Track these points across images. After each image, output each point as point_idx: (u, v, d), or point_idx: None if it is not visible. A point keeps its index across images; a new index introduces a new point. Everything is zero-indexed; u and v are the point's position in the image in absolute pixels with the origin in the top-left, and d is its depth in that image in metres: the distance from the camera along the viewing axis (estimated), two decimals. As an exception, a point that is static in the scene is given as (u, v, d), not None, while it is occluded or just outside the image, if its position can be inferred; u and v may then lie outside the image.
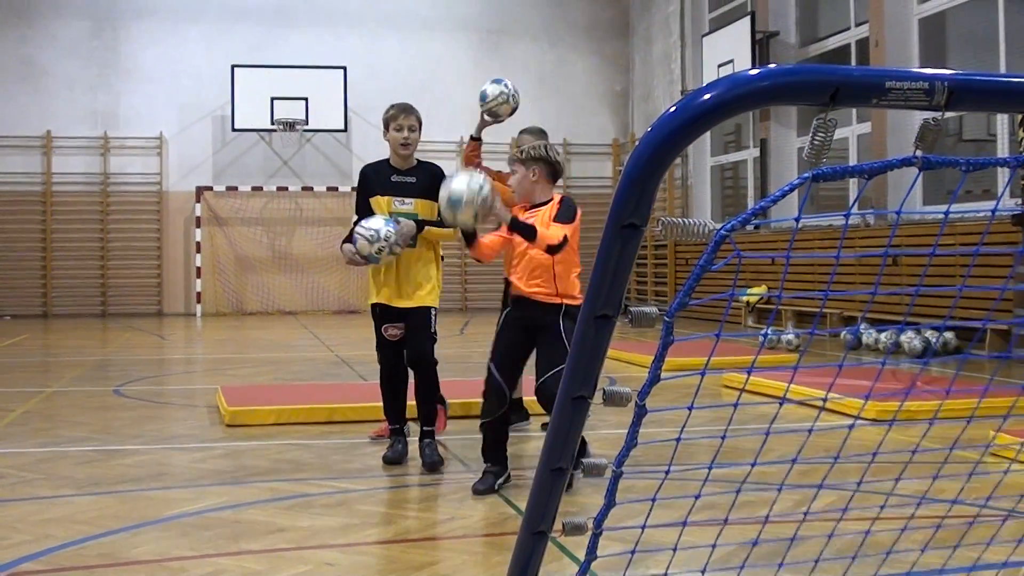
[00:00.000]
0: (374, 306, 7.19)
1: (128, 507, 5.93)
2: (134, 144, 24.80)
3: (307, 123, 24.41)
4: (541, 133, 8.20)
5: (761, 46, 20.33)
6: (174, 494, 6.32)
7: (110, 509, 5.87)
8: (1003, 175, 14.42)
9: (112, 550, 5.06)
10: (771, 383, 9.66)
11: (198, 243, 24.71)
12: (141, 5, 24.89)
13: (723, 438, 2.86)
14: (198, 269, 24.71)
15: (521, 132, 8.37)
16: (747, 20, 20.45)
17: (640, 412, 2.45)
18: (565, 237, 6.08)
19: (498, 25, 26.22)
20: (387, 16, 25.75)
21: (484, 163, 7.95)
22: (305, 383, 11.28)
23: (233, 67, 24.25)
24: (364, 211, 6.99)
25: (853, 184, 17.66)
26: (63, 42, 24.56)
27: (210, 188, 24.93)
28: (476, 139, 8.05)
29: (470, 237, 6.14)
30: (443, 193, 6.00)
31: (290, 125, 24.34)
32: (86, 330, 20.46)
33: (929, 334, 13.76)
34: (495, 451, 6.38)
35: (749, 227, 19.87)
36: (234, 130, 24.57)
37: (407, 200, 7.05)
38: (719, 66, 20.90)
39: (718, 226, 2.19)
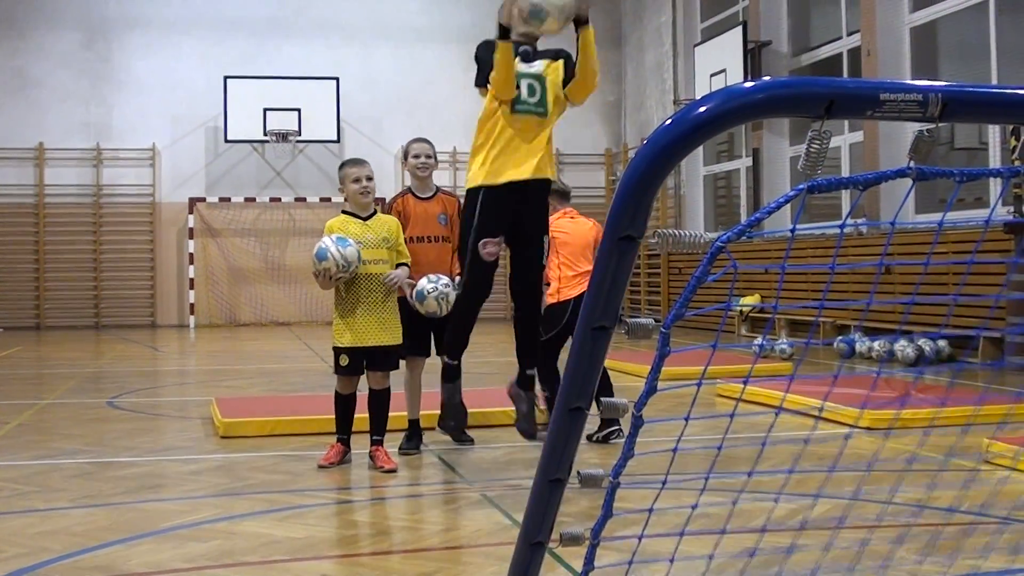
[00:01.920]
0: None
1: (123, 519, 5.92)
2: (127, 156, 24.80)
3: (300, 134, 24.41)
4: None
5: (753, 56, 20.36)
6: (169, 506, 6.31)
7: (104, 521, 5.86)
8: (996, 183, 14.44)
9: (107, 563, 5.05)
10: (766, 392, 9.67)
11: (191, 254, 24.71)
12: (133, 16, 24.89)
13: (719, 449, 2.86)
14: (191, 280, 24.70)
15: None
16: (739, 30, 20.47)
17: (637, 423, 2.46)
18: None
19: (491, 36, 26.20)
20: (380, 27, 25.77)
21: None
22: (299, 394, 11.28)
23: (226, 78, 24.25)
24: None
25: (846, 193, 17.68)
26: (55, 54, 24.56)
27: (203, 199, 24.92)
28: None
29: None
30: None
31: (283, 136, 24.34)
32: (79, 342, 20.43)
33: (922, 342, 13.77)
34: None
35: (742, 236, 19.82)
36: (227, 141, 24.57)
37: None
38: (711, 76, 20.94)
39: (713, 237, 2.20)
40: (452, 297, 7.15)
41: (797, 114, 2.12)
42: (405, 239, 7.61)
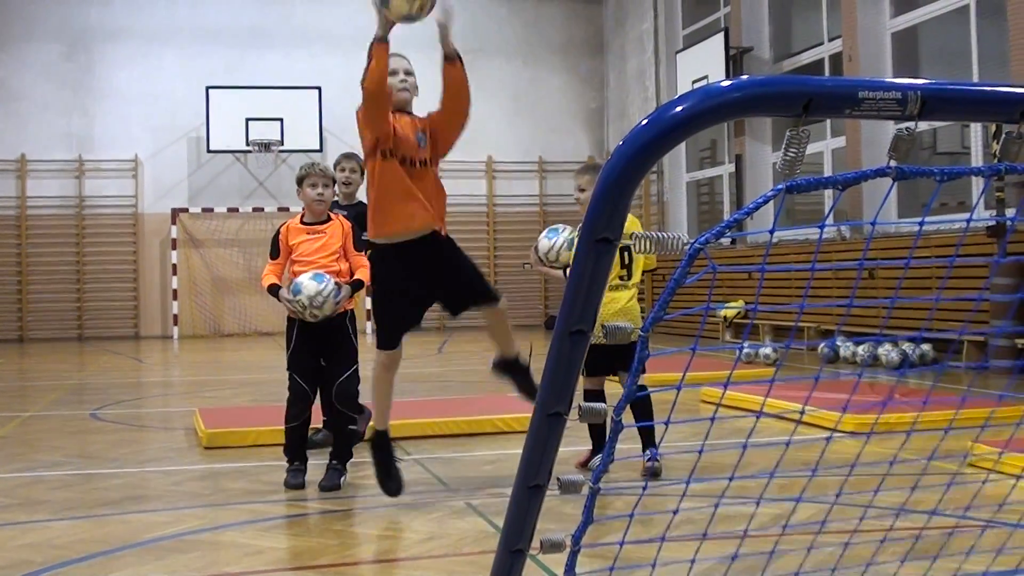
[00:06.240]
0: None
1: (106, 531, 5.89)
2: (109, 166, 24.74)
3: (282, 143, 24.37)
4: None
5: (735, 62, 20.40)
6: (152, 517, 6.27)
7: (87, 533, 5.83)
8: (977, 188, 14.48)
9: (90, 574, 5.02)
10: (749, 397, 9.68)
11: (174, 265, 24.64)
12: (115, 27, 24.84)
13: (700, 452, 2.85)
14: (174, 291, 24.64)
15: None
16: (721, 36, 20.52)
17: (617, 428, 2.44)
18: None
19: (473, 44, 26.20)
20: (362, 35, 25.38)
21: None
22: (282, 404, 11.22)
23: (208, 88, 24.21)
24: None
25: (828, 199, 17.71)
26: (36, 65, 24.49)
27: (186, 210, 24.87)
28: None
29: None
30: None
31: (265, 146, 24.30)
32: (63, 354, 20.36)
33: (906, 346, 13.79)
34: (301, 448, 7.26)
35: (725, 242, 19.96)
36: (209, 151, 24.53)
37: None
38: (693, 82, 20.96)
39: (692, 240, 2.18)
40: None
41: (775, 113, 2.10)
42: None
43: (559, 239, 7.62)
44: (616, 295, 7.26)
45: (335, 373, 7.16)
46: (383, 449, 6.42)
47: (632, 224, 7.17)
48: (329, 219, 7.31)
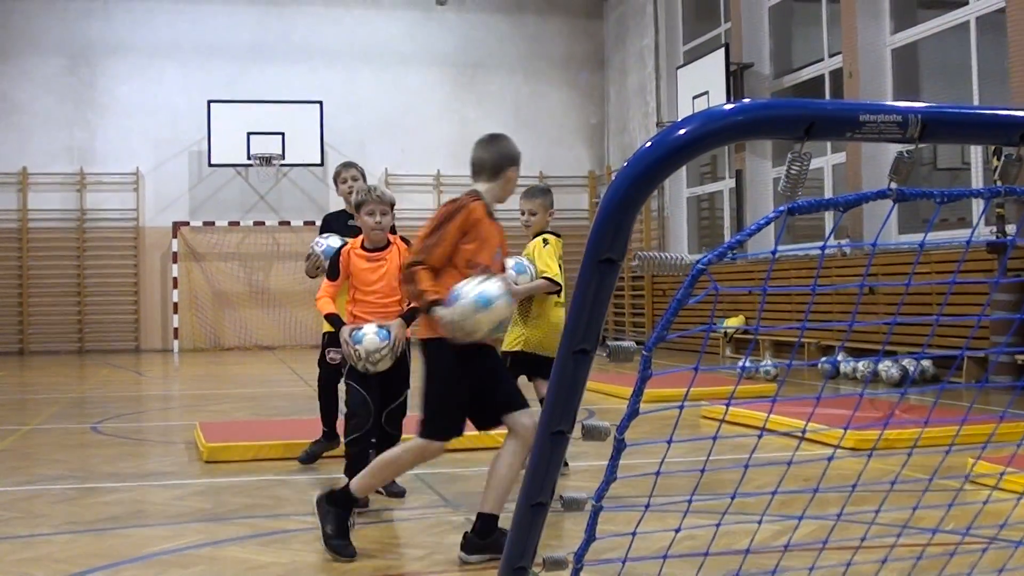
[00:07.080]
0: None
1: (106, 545, 5.89)
2: (110, 180, 24.76)
3: (284, 158, 24.39)
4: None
5: (735, 78, 20.43)
6: (152, 532, 6.27)
7: (88, 548, 5.83)
8: (978, 204, 14.49)
9: (90, 589, 5.02)
10: (750, 413, 9.67)
11: (175, 279, 24.65)
12: (117, 41, 24.87)
13: (702, 471, 2.86)
14: (175, 305, 24.64)
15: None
16: (721, 52, 20.55)
17: (619, 446, 2.45)
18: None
19: (474, 59, 26.29)
20: (363, 50, 25.79)
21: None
22: (283, 418, 11.24)
23: (209, 102, 24.24)
24: None
25: (829, 214, 17.73)
26: (39, 78, 24.52)
27: (187, 223, 24.89)
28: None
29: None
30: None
31: (267, 160, 24.32)
32: (63, 367, 20.35)
33: (907, 363, 13.79)
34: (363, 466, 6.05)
35: (726, 258, 19.87)
36: (211, 165, 24.54)
37: None
38: (694, 98, 20.99)
39: (694, 260, 2.20)
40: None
41: (777, 136, 2.12)
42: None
43: (525, 261, 7.63)
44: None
45: (387, 396, 6.89)
46: (347, 508, 5.67)
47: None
48: (388, 243, 6.97)
